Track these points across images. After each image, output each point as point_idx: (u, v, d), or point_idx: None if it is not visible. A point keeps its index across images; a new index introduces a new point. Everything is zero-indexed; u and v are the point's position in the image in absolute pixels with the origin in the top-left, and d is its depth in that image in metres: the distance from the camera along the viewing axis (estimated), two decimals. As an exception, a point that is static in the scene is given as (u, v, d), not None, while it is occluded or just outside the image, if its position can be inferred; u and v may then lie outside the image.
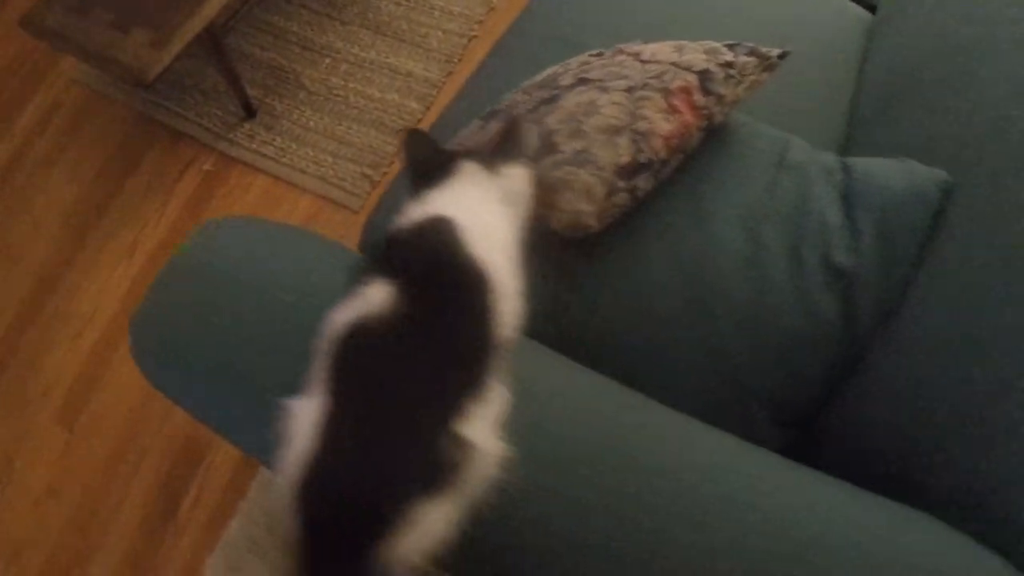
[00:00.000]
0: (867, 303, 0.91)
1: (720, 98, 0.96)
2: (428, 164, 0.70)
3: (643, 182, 0.91)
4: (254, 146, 1.85)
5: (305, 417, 0.52)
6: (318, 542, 0.48)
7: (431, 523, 0.49)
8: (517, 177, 0.69)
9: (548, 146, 0.93)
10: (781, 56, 1.01)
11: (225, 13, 1.82)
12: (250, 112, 1.90)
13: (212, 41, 1.66)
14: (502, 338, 0.60)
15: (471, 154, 0.71)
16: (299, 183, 1.80)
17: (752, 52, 0.99)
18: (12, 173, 1.95)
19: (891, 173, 0.97)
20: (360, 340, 0.54)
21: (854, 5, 1.40)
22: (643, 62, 1.00)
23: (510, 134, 0.74)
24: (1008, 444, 0.67)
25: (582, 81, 1.00)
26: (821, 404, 0.94)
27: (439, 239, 0.60)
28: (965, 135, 0.93)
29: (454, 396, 0.53)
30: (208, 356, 0.69)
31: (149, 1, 1.59)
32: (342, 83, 1.90)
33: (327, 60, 1.93)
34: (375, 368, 0.54)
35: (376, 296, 0.56)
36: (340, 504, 0.49)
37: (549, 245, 0.86)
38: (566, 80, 1.02)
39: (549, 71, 1.07)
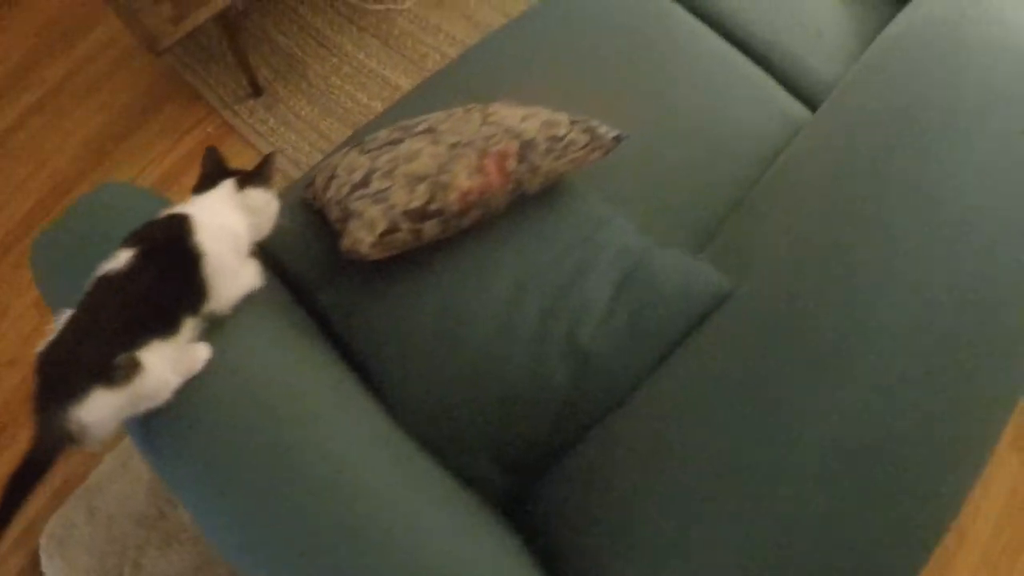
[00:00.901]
0: (597, 385, 1.02)
1: (535, 168, 1.08)
2: (208, 176, 0.93)
3: (430, 228, 1.05)
4: (251, 121, 2.07)
5: (62, 318, 0.78)
6: (36, 393, 0.73)
7: (101, 407, 0.72)
8: (257, 196, 0.91)
9: (364, 181, 1.08)
10: (616, 139, 1.12)
11: None
12: (256, 91, 2.12)
13: (226, 27, 1.88)
14: (212, 303, 0.83)
15: (236, 174, 0.92)
16: (277, 163, 1.99)
17: (588, 130, 1.11)
18: (57, 94, 2.25)
19: (672, 271, 1.07)
20: (102, 282, 0.79)
21: (800, 106, 1.47)
22: (486, 123, 1.13)
23: (266, 164, 0.94)
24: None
25: (429, 130, 1.15)
26: (545, 460, 1.04)
27: (172, 225, 0.85)
28: (775, 253, 1.01)
29: (144, 330, 0.76)
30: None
31: None
32: (339, 83, 2.09)
33: (334, 59, 2.14)
34: (102, 300, 0.78)
35: (122, 257, 0.80)
36: (47, 372, 0.74)
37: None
38: (420, 127, 1.17)
39: (429, 116, 1.22)
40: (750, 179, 1.31)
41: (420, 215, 1.04)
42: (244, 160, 2.05)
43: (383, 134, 1.20)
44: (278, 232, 0.96)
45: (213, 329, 0.84)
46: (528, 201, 1.12)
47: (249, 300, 0.89)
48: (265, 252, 1.00)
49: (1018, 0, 1.13)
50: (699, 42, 1.50)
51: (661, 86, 1.41)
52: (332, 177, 1.19)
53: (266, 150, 2.03)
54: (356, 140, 1.26)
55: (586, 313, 1.04)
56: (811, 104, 1.46)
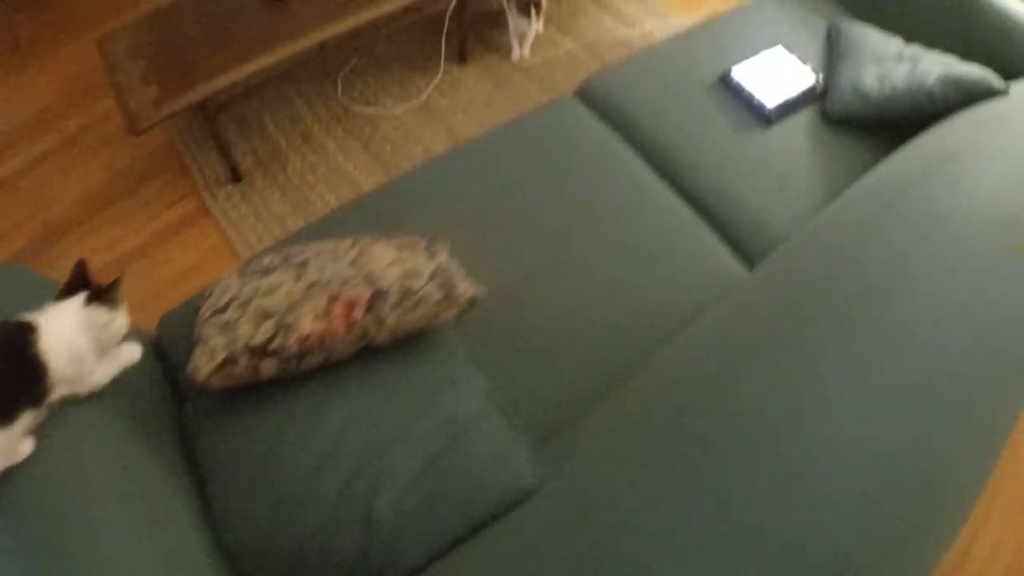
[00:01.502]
0: (382, 562, 0.94)
1: (381, 320, 1.06)
2: (69, 287, 0.99)
3: (268, 366, 1.04)
4: (225, 207, 2.12)
5: None
6: None
7: None
8: (99, 315, 0.98)
9: (224, 307, 1.08)
10: (471, 301, 1.09)
11: (259, 76, 2.09)
12: (236, 177, 2.18)
13: (207, 115, 1.94)
14: (45, 398, 0.91)
15: (89, 291, 0.99)
16: (240, 252, 2.02)
17: (445, 286, 1.10)
18: (71, 145, 2.39)
19: (486, 455, 1.02)
20: None
21: (740, 267, 1.42)
22: (354, 263, 1.11)
23: (113, 286, 1.00)
24: None
25: (302, 263, 1.14)
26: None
27: (19, 331, 0.91)
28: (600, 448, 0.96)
29: None
30: None
31: (178, 68, 1.91)
32: (313, 182, 2.13)
33: (315, 157, 2.18)
34: None
35: None
36: None
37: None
38: (299, 257, 1.16)
39: (319, 244, 1.22)
40: (646, 355, 1.24)
41: (260, 352, 1.03)
42: (211, 243, 2.09)
43: (267, 259, 1.21)
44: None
45: (57, 419, 0.92)
46: (387, 347, 1.10)
47: (118, 394, 0.99)
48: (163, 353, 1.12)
49: (979, 170, 1.03)
50: (643, 192, 1.48)
51: (589, 237, 1.39)
52: (209, 295, 1.18)
53: (235, 237, 2.07)
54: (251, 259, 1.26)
55: (390, 481, 0.99)
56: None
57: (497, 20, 2.49)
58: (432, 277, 1.10)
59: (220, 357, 1.02)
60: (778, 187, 1.50)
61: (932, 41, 1.67)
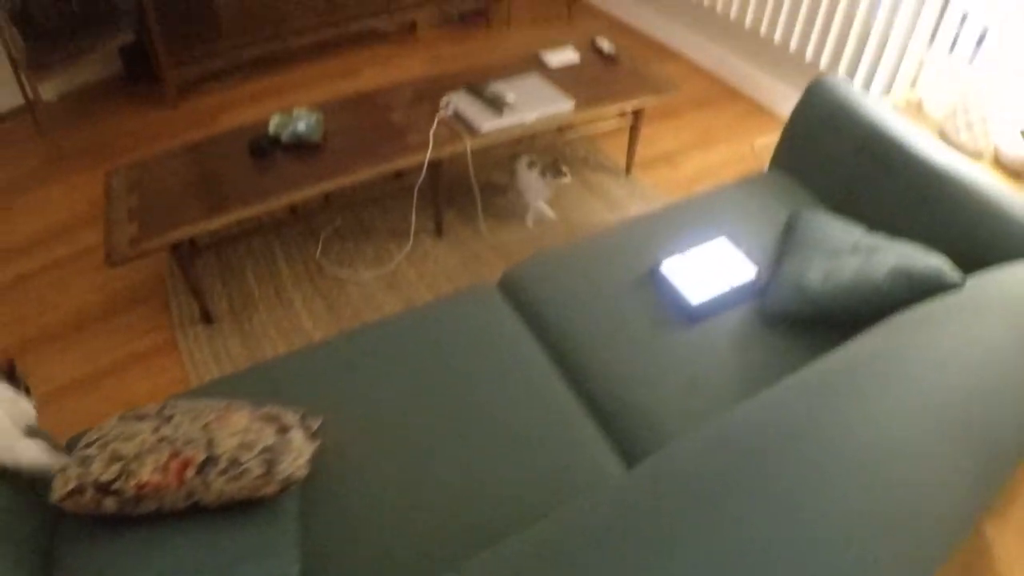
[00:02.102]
0: None
1: (208, 484, 1.13)
2: None
3: (109, 503, 1.11)
4: (191, 347, 2.25)
5: None
6: None
7: None
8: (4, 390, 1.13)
9: (91, 442, 1.18)
10: (286, 480, 1.16)
11: (248, 223, 2.25)
12: (207, 319, 2.32)
13: (179, 259, 2.09)
14: None
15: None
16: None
17: (268, 463, 1.16)
18: (81, 257, 2.63)
19: None
20: None
21: (618, 467, 1.41)
22: (207, 426, 1.21)
23: (12, 367, 1.16)
24: None
25: (167, 418, 1.24)
26: None
27: None
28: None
29: None
30: None
31: (160, 210, 2.10)
32: (274, 336, 2.24)
33: (280, 311, 2.31)
34: None
35: None
36: None
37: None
38: (166, 412, 1.27)
39: (207, 402, 1.30)
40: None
41: (104, 489, 1.10)
42: (170, 379, 2.18)
43: (151, 407, 1.29)
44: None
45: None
46: (217, 507, 1.17)
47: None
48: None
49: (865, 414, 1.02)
50: (535, 387, 1.51)
51: (466, 427, 1.42)
52: (99, 426, 1.26)
53: (193, 377, 2.17)
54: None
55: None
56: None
57: (499, 192, 2.68)
58: (261, 452, 1.16)
59: (71, 486, 1.10)
60: (689, 389, 1.49)
61: (901, 228, 1.73)
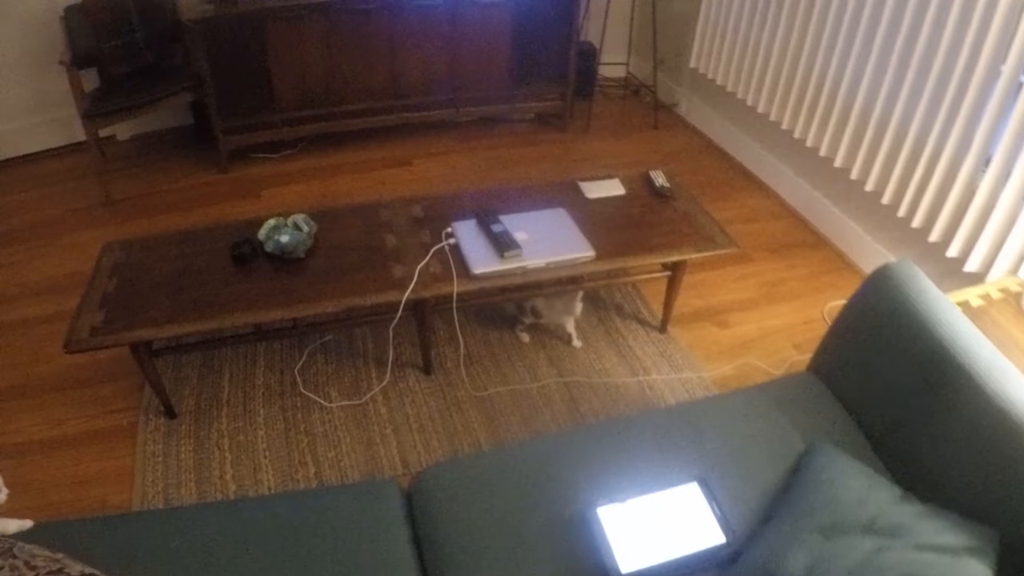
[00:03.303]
0: None
1: None
2: None
3: None
4: (147, 437, 2.16)
5: None
6: None
7: None
8: None
9: None
10: None
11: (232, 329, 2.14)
12: (171, 414, 2.20)
13: (137, 357, 1.99)
14: None
15: None
16: (135, 485, 2.02)
17: None
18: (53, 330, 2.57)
19: None
20: None
21: None
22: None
23: None
24: None
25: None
26: None
27: None
28: None
29: None
30: None
31: (131, 304, 2.00)
32: (225, 451, 2.10)
33: (240, 423, 2.17)
34: None
35: None
36: None
37: None
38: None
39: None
40: None
41: None
42: (120, 468, 2.05)
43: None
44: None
45: None
46: None
47: None
48: None
49: None
50: None
51: None
52: None
53: (139, 470, 2.07)
54: None
55: None
56: None
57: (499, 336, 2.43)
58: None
59: None
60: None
61: (954, 493, 1.34)
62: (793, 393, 1.69)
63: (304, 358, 2.40)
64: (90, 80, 3.33)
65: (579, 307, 2.37)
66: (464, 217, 2.23)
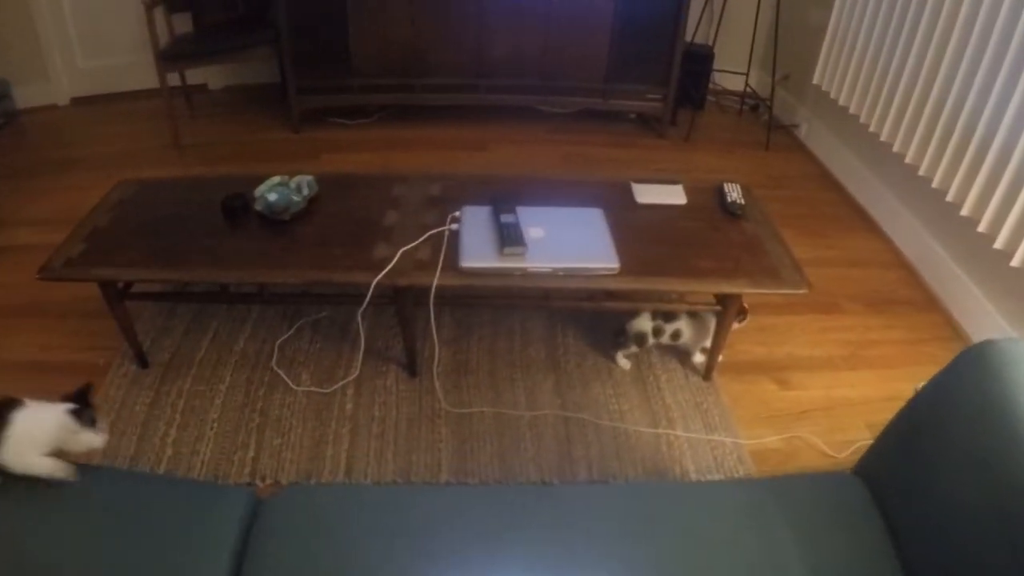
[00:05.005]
0: None
1: None
2: (69, 395, 1.16)
3: None
4: (116, 381, 2.03)
5: None
6: None
7: None
8: (71, 423, 1.11)
9: None
10: None
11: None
12: (142, 363, 2.09)
13: (108, 298, 1.90)
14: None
15: (76, 405, 1.13)
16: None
17: None
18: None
19: None
20: None
21: None
22: None
23: (87, 409, 1.13)
24: None
25: None
26: None
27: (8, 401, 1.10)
28: None
29: None
30: None
31: (111, 242, 1.88)
32: (173, 414, 1.93)
33: (202, 387, 2.02)
34: None
35: None
36: None
37: None
38: None
39: None
40: None
41: None
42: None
43: None
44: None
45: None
46: None
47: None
48: None
49: None
50: None
51: None
52: None
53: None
54: None
55: None
56: None
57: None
58: None
59: None
60: None
61: None
62: (830, 496, 1.26)
63: (291, 332, 2.18)
64: (184, 25, 3.32)
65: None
66: (481, 202, 1.93)
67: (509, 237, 1.74)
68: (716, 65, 3.64)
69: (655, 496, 1.26)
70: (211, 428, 1.87)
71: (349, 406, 1.93)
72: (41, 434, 1.11)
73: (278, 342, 2.14)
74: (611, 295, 1.95)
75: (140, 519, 1.12)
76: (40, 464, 1.12)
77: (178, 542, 1.10)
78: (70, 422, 1.13)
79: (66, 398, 1.17)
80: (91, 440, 1.15)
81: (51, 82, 3.70)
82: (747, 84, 3.69)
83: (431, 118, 3.55)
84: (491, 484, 1.75)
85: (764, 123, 3.55)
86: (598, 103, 3.38)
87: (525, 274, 1.71)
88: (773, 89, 3.48)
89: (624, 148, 3.43)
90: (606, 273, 1.74)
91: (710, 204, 2.08)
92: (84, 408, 1.15)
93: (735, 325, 1.99)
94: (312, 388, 1.99)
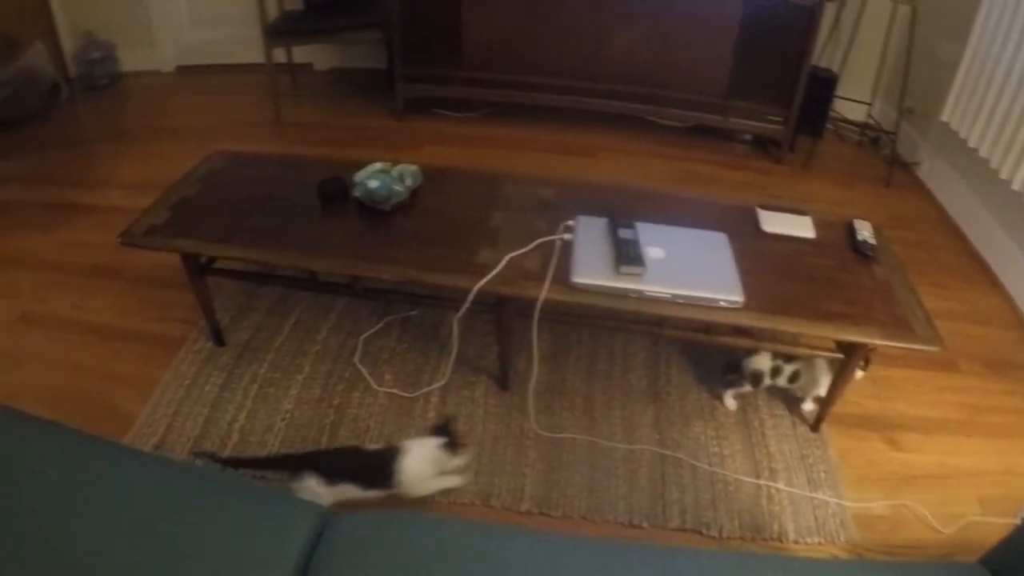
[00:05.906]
0: None
1: None
2: (436, 428, 1.57)
3: None
4: (189, 357, 1.98)
5: None
6: None
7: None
8: (443, 455, 1.55)
9: None
10: None
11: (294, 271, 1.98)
12: (219, 341, 2.02)
13: (188, 271, 1.82)
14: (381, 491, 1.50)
15: (446, 439, 1.53)
16: (153, 402, 1.84)
17: None
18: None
19: None
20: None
21: None
22: None
23: (455, 442, 1.54)
24: None
25: None
26: None
27: (390, 449, 1.52)
28: None
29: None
30: None
31: (198, 213, 1.82)
32: (246, 402, 1.85)
33: (278, 375, 1.93)
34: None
35: None
36: None
37: None
38: None
39: None
40: None
41: None
42: (146, 376, 1.96)
43: None
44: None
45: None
46: None
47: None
48: None
49: None
50: None
51: None
52: None
53: (159, 388, 1.89)
54: None
55: None
56: None
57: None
58: None
59: None
60: None
61: None
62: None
63: (378, 326, 2.08)
64: (295, 2, 3.29)
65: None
66: (595, 212, 1.79)
67: (627, 255, 1.59)
68: (838, 91, 3.40)
69: (766, 570, 1.09)
70: (282, 419, 1.78)
71: (432, 414, 1.82)
72: (422, 470, 1.48)
73: (363, 337, 2.04)
74: (735, 330, 1.78)
75: (198, 522, 1.01)
76: (427, 487, 1.52)
77: (235, 555, 0.98)
78: (442, 455, 1.48)
79: (435, 430, 1.51)
80: (458, 462, 1.53)
81: (156, 49, 3.72)
82: (869, 114, 3.45)
83: (538, 118, 3.42)
84: (576, 519, 1.61)
85: (885, 157, 3.30)
86: (716, 119, 3.19)
87: (641, 297, 1.56)
88: (899, 123, 3.23)
89: (738, 170, 3.23)
90: (730, 307, 1.57)
91: (839, 241, 1.89)
92: (450, 441, 1.49)
93: (858, 374, 1.79)
94: (395, 390, 1.88)
